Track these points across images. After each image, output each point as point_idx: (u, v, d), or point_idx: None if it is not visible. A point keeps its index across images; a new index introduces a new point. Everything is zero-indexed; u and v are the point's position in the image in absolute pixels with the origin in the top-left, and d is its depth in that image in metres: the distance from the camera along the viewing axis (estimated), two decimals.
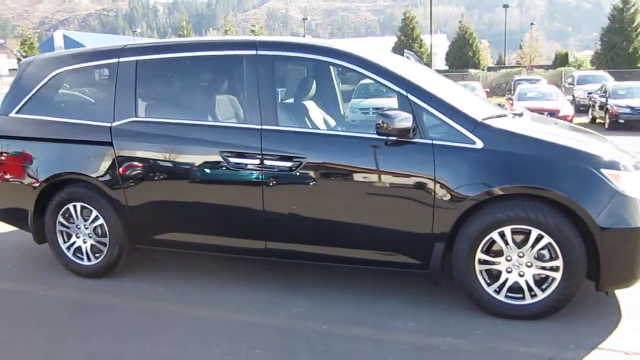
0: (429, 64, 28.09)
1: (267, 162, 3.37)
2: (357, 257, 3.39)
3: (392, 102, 13.47)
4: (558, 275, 3.05)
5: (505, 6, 44.31)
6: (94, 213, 3.89)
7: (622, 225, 2.96)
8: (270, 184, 3.38)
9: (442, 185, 3.10)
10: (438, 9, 36.65)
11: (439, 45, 46.22)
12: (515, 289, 3.15)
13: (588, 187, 2.98)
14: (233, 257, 3.75)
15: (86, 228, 3.97)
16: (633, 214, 2.96)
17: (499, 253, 3.13)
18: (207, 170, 3.55)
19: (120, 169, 3.72)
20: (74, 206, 3.94)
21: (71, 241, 4.04)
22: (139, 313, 3.44)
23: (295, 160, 3.32)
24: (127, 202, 3.76)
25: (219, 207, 3.56)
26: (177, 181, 3.63)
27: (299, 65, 4.19)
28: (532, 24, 56.84)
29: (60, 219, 4.01)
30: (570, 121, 13.38)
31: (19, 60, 42.00)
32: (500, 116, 3.47)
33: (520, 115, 3.72)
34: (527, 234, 3.05)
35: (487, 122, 3.21)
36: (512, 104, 12.97)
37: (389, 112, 3.12)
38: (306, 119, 3.88)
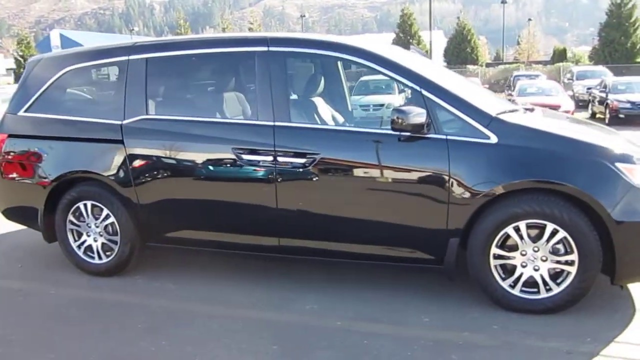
0: None
1: (280, 159, 3.36)
2: (371, 253, 3.39)
3: (391, 98, 13.44)
4: (573, 269, 3.06)
5: (504, 2, 44.29)
6: (105, 211, 3.88)
7: (638, 218, 2.96)
8: (284, 181, 3.38)
9: (457, 181, 3.10)
10: (435, 6, 36.74)
11: (437, 42, 46.16)
12: (530, 283, 3.15)
13: (603, 181, 2.99)
14: (243, 254, 3.76)
15: (97, 226, 3.96)
16: None
17: (514, 248, 3.14)
18: (220, 168, 3.55)
19: (132, 167, 3.71)
20: (85, 205, 3.94)
21: (82, 240, 4.03)
22: (154, 311, 3.44)
23: (309, 156, 3.32)
24: (138, 200, 3.75)
25: (232, 204, 3.56)
26: (189, 178, 3.63)
27: (311, 62, 4.18)
28: (529, 19, 56.89)
29: (70, 217, 4.00)
30: None
31: (16, 60, 41.80)
32: (512, 111, 3.47)
33: (532, 110, 3.72)
34: (542, 228, 3.06)
35: (501, 116, 3.21)
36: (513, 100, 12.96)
37: (404, 108, 3.12)
38: (318, 115, 3.87)
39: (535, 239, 3.09)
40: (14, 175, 4.16)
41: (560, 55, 39.45)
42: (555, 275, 3.12)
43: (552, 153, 3.04)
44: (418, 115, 3.10)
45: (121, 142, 3.72)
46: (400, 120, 3.09)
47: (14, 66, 42.17)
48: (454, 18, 45.03)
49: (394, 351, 2.86)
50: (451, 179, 3.11)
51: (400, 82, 3.31)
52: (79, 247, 4.04)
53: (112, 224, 3.89)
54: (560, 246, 3.07)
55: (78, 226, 4.01)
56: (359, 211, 3.33)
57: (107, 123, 3.79)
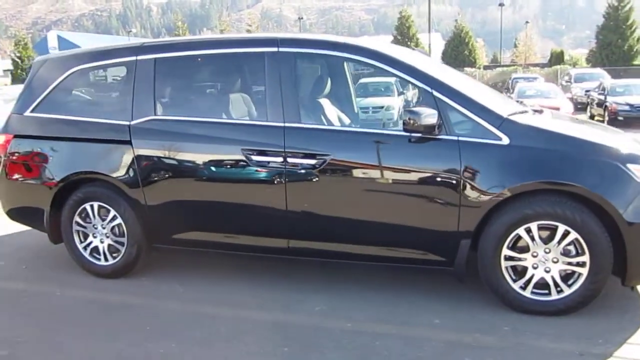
0: None
1: (290, 160, 3.35)
2: (381, 254, 3.37)
3: (390, 100, 13.39)
4: (584, 271, 3.05)
5: (501, 4, 44.42)
6: (112, 212, 3.86)
7: None
8: (294, 182, 3.37)
9: (469, 182, 3.10)
10: (432, 8, 36.81)
11: (435, 44, 46.30)
12: (541, 285, 3.14)
13: (615, 182, 2.98)
14: (249, 255, 3.74)
15: (103, 228, 3.93)
16: None
17: (525, 249, 3.13)
18: (229, 169, 3.54)
19: (140, 168, 3.69)
20: (91, 206, 3.91)
21: (88, 241, 4.00)
22: (162, 313, 3.41)
23: (319, 157, 3.30)
24: (146, 201, 3.73)
25: (241, 205, 3.54)
26: (198, 179, 3.61)
27: (321, 63, 4.17)
28: (527, 22, 57.05)
29: (76, 218, 3.97)
30: None
31: (13, 61, 41.64)
32: (522, 112, 3.47)
33: (540, 112, 3.72)
34: (554, 229, 3.05)
35: (513, 118, 3.20)
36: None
37: (416, 109, 3.11)
38: (328, 116, 3.86)
39: (546, 241, 3.08)
40: (20, 175, 4.14)
41: (557, 58, 39.61)
42: (566, 277, 3.11)
43: (563, 154, 3.04)
44: (430, 116, 3.09)
45: (129, 142, 3.70)
46: (412, 121, 3.08)
47: (11, 67, 42.00)
48: (451, 21, 45.26)
49: (405, 352, 2.85)
50: (463, 181, 3.10)
51: (411, 83, 3.30)
52: (85, 248, 4.01)
53: (119, 225, 3.87)
54: (571, 247, 3.06)
55: (84, 227, 3.98)
56: (369, 213, 3.32)
57: (115, 124, 3.77)
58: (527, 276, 3.15)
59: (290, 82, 3.43)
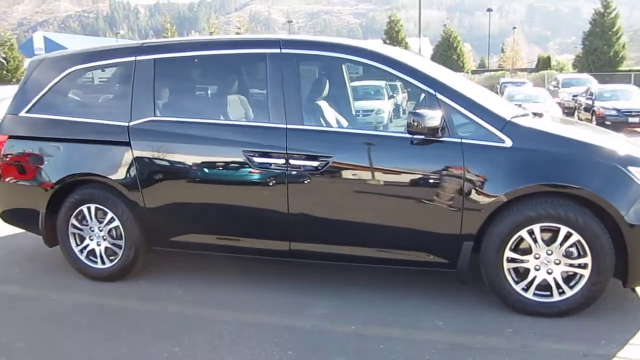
0: None
1: (292, 162, 3.33)
2: (384, 257, 3.37)
3: (381, 104, 13.43)
4: (586, 273, 3.07)
5: (489, 9, 44.85)
6: (110, 215, 3.81)
7: None
8: (296, 184, 3.35)
9: (472, 184, 3.10)
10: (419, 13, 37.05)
11: (423, 49, 46.60)
12: (543, 286, 3.16)
13: (617, 184, 3.01)
14: (247, 258, 3.71)
15: (100, 230, 3.88)
16: None
17: (527, 251, 3.14)
18: (230, 171, 3.51)
19: (139, 170, 3.65)
20: (88, 208, 3.86)
21: (84, 244, 3.94)
22: (162, 316, 3.37)
23: (321, 159, 3.29)
24: (145, 204, 3.68)
25: (242, 207, 3.52)
26: (199, 181, 3.58)
27: (323, 64, 4.16)
28: (514, 27, 57.64)
29: (73, 221, 3.91)
30: None
31: None
32: (523, 115, 3.48)
33: (541, 115, 3.74)
34: (556, 231, 3.07)
35: (515, 120, 3.22)
36: None
37: (420, 111, 3.11)
38: (330, 118, 3.85)
39: (548, 242, 3.10)
40: (14, 177, 4.07)
41: (544, 63, 40.06)
42: (568, 278, 3.13)
43: (566, 157, 3.06)
44: (434, 118, 3.09)
45: (128, 144, 3.66)
46: (416, 123, 3.08)
47: None
48: (438, 25, 45.65)
49: (411, 355, 2.84)
50: (466, 183, 3.11)
51: (414, 86, 3.30)
52: (81, 251, 3.95)
53: (116, 227, 3.82)
54: (573, 249, 3.08)
55: (81, 230, 3.92)
56: (371, 215, 3.32)
57: (113, 125, 3.72)
58: (530, 278, 3.16)
59: (292, 83, 3.42)
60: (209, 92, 4.05)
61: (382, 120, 11.87)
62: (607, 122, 14.98)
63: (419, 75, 3.31)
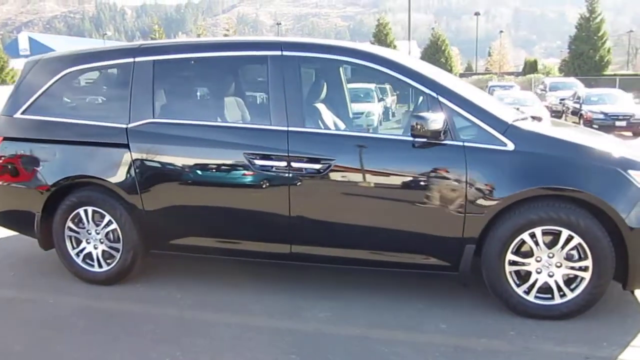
0: None
1: (294, 164, 3.32)
2: (386, 260, 3.36)
3: (371, 106, 13.47)
4: (587, 275, 3.09)
5: (477, 13, 45.23)
6: (107, 217, 3.76)
7: None
8: (297, 187, 3.34)
9: (474, 188, 3.11)
10: (407, 16, 37.28)
11: (411, 52, 46.87)
12: (544, 289, 3.18)
13: (617, 188, 3.04)
14: (246, 261, 3.69)
15: (97, 233, 3.83)
16: None
17: (529, 254, 3.16)
18: (230, 173, 3.48)
19: (137, 172, 3.61)
20: (85, 210, 3.80)
21: (81, 247, 3.89)
22: (162, 320, 3.33)
23: (323, 162, 3.28)
24: (143, 206, 3.64)
25: (243, 210, 3.49)
26: (199, 184, 3.55)
27: (324, 67, 4.15)
28: (501, 31, 58.13)
29: (69, 223, 3.86)
30: None
31: None
32: (523, 119, 3.51)
33: (540, 119, 3.77)
34: (557, 234, 3.09)
35: (517, 124, 3.24)
36: None
37: (423, 114, 3.11)
38: (332, 121, 3.84)
39: (550, 245, 3.12)
40: (9, 179, 4.00)
41: (531, 67, 40.53)
42: (569, 281, 3.15)
43: (568, 160, 3.09)
44: (437, 121, 3.10)
45: (126, 146, 3.62)
46: (419, 127, 3.09)
47: None
48: (426, 29, 46.01)
49: (415, 358, 2.84)
50: (468, 186, 3.12)
51: (416, 89, 3.31)
52: (77, 254, 3.90)
53: (114, 230, 3.77)
54: (574, 252, 3.11)
55: (77, 233, 3.87)
56: (373, 218, 3.31)
57: (111, 127, 3.68)
58: (531, 281, 3.18)
59: (294, 86, 3.41)
60: (209, 94, 4.02)
61: (372, 123, 11.91)
62: (595, 126, 15.15)
63: (420, 79, 3.31)
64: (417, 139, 3.19)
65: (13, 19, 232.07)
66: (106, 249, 3.84)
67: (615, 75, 33.84)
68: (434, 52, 42.16)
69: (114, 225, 3.76)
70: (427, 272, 3.36)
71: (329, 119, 3.89)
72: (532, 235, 3.11)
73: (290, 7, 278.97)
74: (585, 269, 3.09)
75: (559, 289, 3.15)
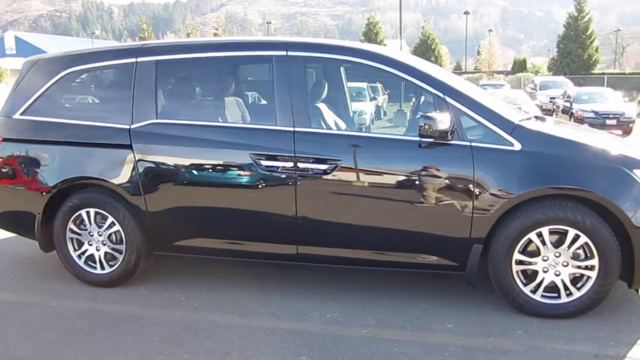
0: None
1: (300, 165, 3.30)
2: (392, 260, 3.36)
3: (363, 105, 13.53)
4: (593, 274, 3.11)
5: (466, 12, 45.44)
6: (110, 219, 3.72)
7: None
8: (304, 187, 3.32)
9: (481, 187, 3.12)
10: (396, 15, 37.55)
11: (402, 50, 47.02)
12: (551, 288, 3.19)
13: (623, 187, 3.07)
14: (249, 262, 3.68)
15: (100, 235, 3.79)
16: None
17: (536, 253, 3.17)
18: (236, 174, 3.46)
19: (141, 173, 3.57)
20: (87, 212, 3.76)
21: (82, 249, 3.85)
22: (168, 323, 3.31)
23: (330, 162, 3.27)
24: (147, 208, 3.61)
25: (249, 211, 3.47)
26: (204, 185, 3.52)
27: (329, 67, 4.13)
28: (490, 30, 58.49)
29: (71, 225, 3.81)
30: None
31: None
32: (528, 119, 3.52)
33: (543, 119, 3.79)
34: (564, 234, 3.11)
35: (523, 124, 3.25)
36: None
37: (430, 114, 3.11)
38: (337, 121, 3.83)
39: (556, 245, 3.13)
40: (9, 180, 3.95)
41: (520, 66, 40.80)
42: (575, 280, 3.17)
43: (574, 160, 3.11)
44: (444, 121, 3.10)
45: (129, 147, 3.59)
46: (427, 127, 3.09)
47: None
48: (414, 28, 46.20)
49: (425, 358, 2.84)
50: (475, 186, 3.12)
51: (423, 89, 3.31)
52: (79, 256, 3.86)
53: (116, 232, 3.74)
54: (580, 251, 3.13)
55: (79, 235, 3.83)
56: (380, 218, 3.31)
57: (114, 127, 3.65)
58: (538, 280, 3.19)
59: (299, 86, 3.40)
60: (213, 94, 3.99)
61: (364, 122, 11.92)
62: (585, 124, 15.33)
63: (427, 79, 3.31)
64: (424, 139, 3.19)
65: None
66: (109, 250, 3.80)
67: (603, 74, 34.18)
68: (424, 51, 42.26)
69: (117, 227, 3.72)
70: (435, 272, 3.37)
71: (338, 119, 3.89)
72: (539, 235, 3.12)
73: (278, 6, 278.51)
74: (591, 268, 3.11)
75: (566, 288, 3.17)
